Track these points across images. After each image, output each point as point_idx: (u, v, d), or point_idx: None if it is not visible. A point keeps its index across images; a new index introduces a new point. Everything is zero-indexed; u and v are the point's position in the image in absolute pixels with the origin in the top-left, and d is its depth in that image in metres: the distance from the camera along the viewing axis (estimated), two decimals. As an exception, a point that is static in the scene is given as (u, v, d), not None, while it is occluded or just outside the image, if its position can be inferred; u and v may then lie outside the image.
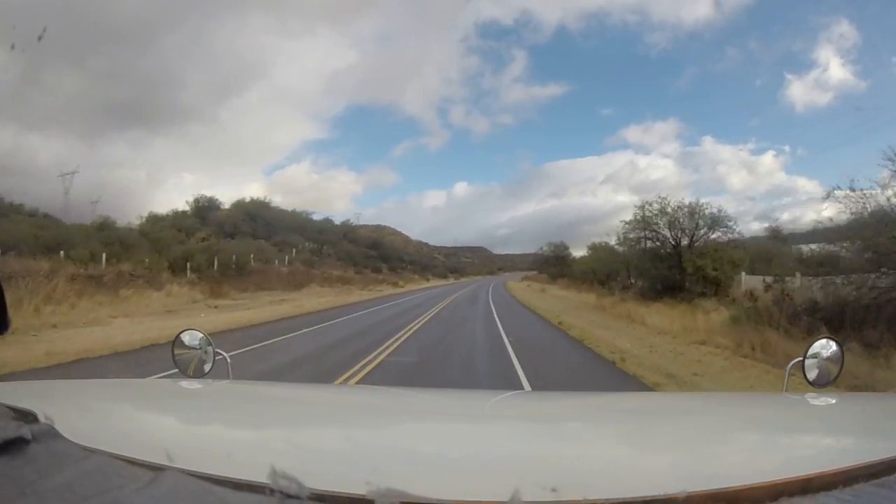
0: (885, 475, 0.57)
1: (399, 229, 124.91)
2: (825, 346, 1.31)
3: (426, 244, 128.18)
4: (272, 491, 0.46)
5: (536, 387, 6.18)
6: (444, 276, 78.72)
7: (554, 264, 50.58)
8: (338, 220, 64.65)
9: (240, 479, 0.52)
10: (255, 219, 41.83)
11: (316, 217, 60.36)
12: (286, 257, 35.69)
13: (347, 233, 57.87)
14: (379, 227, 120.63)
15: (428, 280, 62.76)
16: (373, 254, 58.23)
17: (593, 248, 30.15)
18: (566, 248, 53.91)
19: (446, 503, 0.50)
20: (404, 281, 49.42)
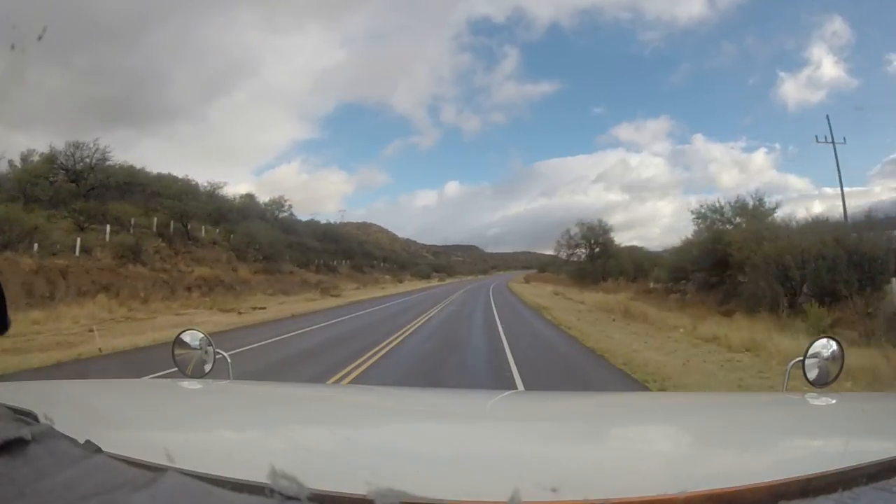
0: (886, 476, 0.57)
1: (387, 227, 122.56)
2: (825, 346, 1.31)
3: (414, 242, 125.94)
4: (272, 491, 0.46)
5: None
6: (427, 277, 65.87)
7: (592, 257, 34.74)
8: (326, 221, 56.92)
9: (240, 480, 0.52)
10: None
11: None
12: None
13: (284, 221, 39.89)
14: (364, 225, 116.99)
15: (400, 282, 48.95)
16: (331, 248, 45.00)
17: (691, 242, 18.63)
18: (607, 230, 36.37)
19: (446, 503, 0.50)
20: (360, 285, 36.58)
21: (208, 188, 32.14)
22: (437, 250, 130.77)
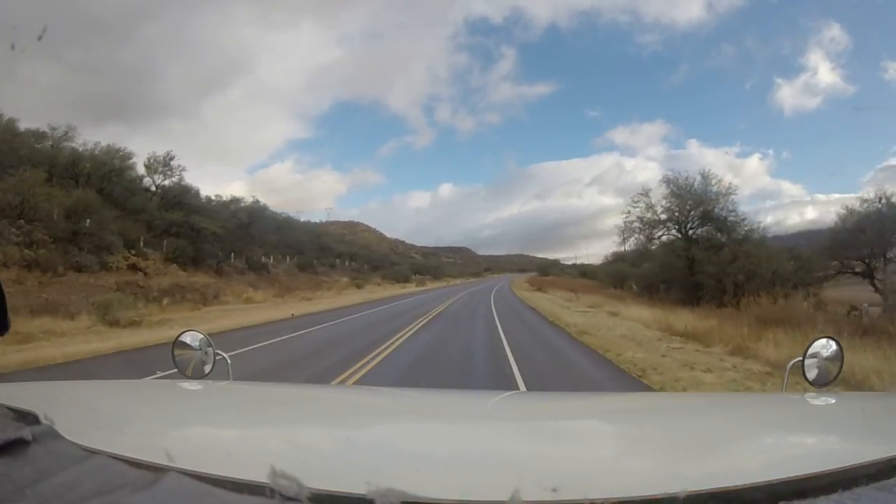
0: (885, 476, 0.57)
1: (376, 227, 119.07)
2: (825, 346, 1.31)
3: (403, 242, 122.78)
4: (272, 491, 0.46)
5: None
6: (404, 280, 51.37)
7: (685, 253, 18.60)
8: (319, 221, 48.27)
9: (240, 480, 0.52)
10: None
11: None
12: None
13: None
14: (351, 224, 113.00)
15: (359, 288, 35.15)
16: (271, 239, 35.85)
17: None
18: (729, 193, 19.11)
19: (446, 503, 0.50)
20: (281, 291, 25.07)
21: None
22: (427, 251, 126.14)
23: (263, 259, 32.23)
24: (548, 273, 75.00)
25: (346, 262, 50.03)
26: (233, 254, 28.22)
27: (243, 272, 28.04)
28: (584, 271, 56.65)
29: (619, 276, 30.92)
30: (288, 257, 36.91)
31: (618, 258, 32.69)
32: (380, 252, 78.80)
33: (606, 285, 32.68)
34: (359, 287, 36.28)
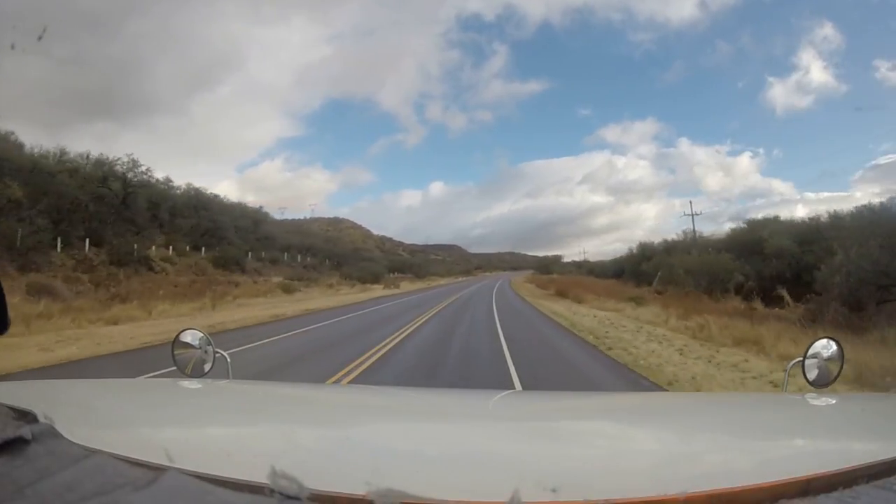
0: (886, 476, 0.57)
1: (362, 224, 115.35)
2: (825, 346, 1.31)
3: (390, 240, 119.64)
4: (272, 491, 0.46)
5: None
6: (373, 280, 39.50)
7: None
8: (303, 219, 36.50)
9: (240, 480, 0.52)
10: None
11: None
12: None
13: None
14: (336, 220, 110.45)
15: (288, 294, 25.12)
16: (186, 225, 28.18)
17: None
18: None
19: (446, 503, 0.50)
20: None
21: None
22: (415, 249, 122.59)
23: (157, 249, 23.77)
24: (549, 270, 68.52)
25: (299, 258, 39.75)
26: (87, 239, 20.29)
27: (90, 267, 20.04)
28: (592, 269, 52.77)
29: (712, 276, 20.59)
30: (205, 249, 28.41)
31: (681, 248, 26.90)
32: (364, 248, 72.98)
33: (609, 285, 29.15)
34: (287, 292, 25.90)
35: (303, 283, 30.72)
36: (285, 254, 37.93)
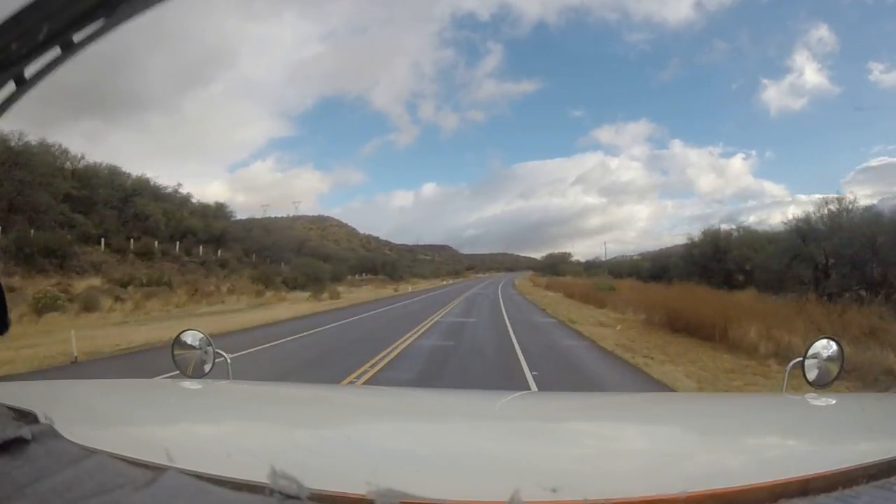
0: (885, 476, 0.57)
1: (347, 223, 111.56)
2: (825, 347, 1.31)
3: (376, 238, 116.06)
4: (272, 491, 0.46)
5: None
6: (313, 282, 28.16)
7: None
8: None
9: (240, 480, 0.52)
10: None
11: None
12: None
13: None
14: (320, 219, 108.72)
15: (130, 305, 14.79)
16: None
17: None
18: None
19: (446, 503, 0.50)
20: None
21: None
22: (405, 249, 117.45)
23: None
24: (558, 271, 55.49)
25: (201, 250, 30.10)
26: None
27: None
28: (612, 268, 43.52)
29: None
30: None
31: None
32: (349, 248, 68.95)
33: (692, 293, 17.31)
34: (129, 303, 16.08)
35: (142, 288, 19.44)
36: (177, 243, 28.89)
